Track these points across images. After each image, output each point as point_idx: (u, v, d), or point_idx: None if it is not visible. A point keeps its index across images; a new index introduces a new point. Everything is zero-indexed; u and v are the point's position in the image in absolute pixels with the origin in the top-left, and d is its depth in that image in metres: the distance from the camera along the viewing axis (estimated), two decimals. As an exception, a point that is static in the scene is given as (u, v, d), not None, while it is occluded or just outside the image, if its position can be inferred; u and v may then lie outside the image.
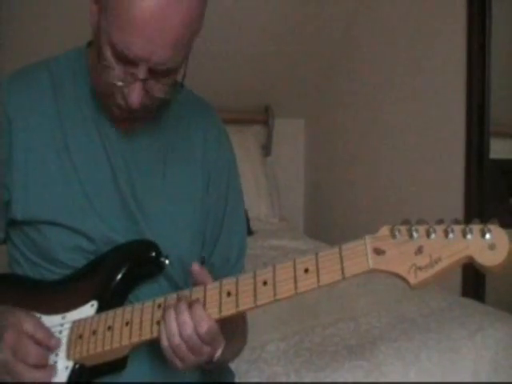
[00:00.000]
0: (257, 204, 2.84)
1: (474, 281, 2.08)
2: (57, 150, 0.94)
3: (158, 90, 0.89)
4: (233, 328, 0.92)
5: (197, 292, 0.83)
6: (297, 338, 1.51)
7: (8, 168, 0.93)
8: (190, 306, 0.81)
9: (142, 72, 0.85)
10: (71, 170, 0.94)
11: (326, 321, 1.62)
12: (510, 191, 2.13)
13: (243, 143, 2.91)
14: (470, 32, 2.11)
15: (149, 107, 0.91)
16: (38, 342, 0.85)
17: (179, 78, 0.93)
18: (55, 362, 0.88)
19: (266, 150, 3.14)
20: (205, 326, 0.79)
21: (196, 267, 0.85)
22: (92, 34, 0.92)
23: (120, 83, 0.87)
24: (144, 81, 0.86)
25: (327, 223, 3.10)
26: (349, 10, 2.72)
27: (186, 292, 0.84)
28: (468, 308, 1.70)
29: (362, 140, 2.81)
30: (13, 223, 0.96)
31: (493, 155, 2.12)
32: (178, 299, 0.82)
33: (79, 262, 0.94)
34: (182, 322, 0.79)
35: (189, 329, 0.79)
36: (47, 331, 0.88)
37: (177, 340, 0.80)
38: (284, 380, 1.32)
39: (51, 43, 1.67)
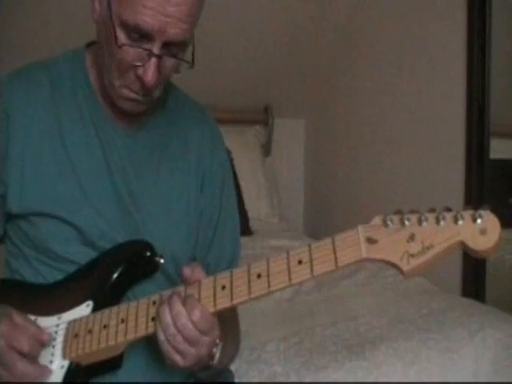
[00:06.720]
0: (257, 204, 2.83)
1: (473, 281, 2.08)
2: (53, 145, 0.96)
3: (171, 66, 0.90)
4: (226, 330, 0.91)
5: (191, 287, 0.83)
6: (297, 338, 1.51)
7: (4, 162, 0.94)
8: (184, 299, 0.81)
9: (156, 47, 0.86)
10: (67, 164, 0.96)
11: (326, 321, 1.62)
12: (510, 191, 2.13)
13: (243, 143, 2.91)
14: (469, 32, 2.11)
15: (159, 87, 0.92)
16: (31, 335, 0.85)
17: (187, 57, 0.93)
18: (51, 362, 0.88)
19: (266, 149, 3.13)
20: (198, 313, 0.79)
21: (187, 271, 0.84)
22: (98, 30, 0.93)
23: (136, 62, 0.87)
24: (159, 57, 0.86)
25: (327, 223, 3.10)
26: (349, 10, 2.72)
27: (181, 288, 0.85)
28: (468, 308, 1.70)
29: (362, 140, 2.81)
30: (9, 218, 0.97)
31: (493, 155, 2.12)
32: (171, 294, 0.83)
33: (74, 254, 0.95)
34: (176, 312, 0.80)
35: (183, 318, 0.79)
36: (38, 326, 0.88)
37: (171, 330, 0.80)
38: (284, 380, 1.32)
39: (51, 43, 1.67)
